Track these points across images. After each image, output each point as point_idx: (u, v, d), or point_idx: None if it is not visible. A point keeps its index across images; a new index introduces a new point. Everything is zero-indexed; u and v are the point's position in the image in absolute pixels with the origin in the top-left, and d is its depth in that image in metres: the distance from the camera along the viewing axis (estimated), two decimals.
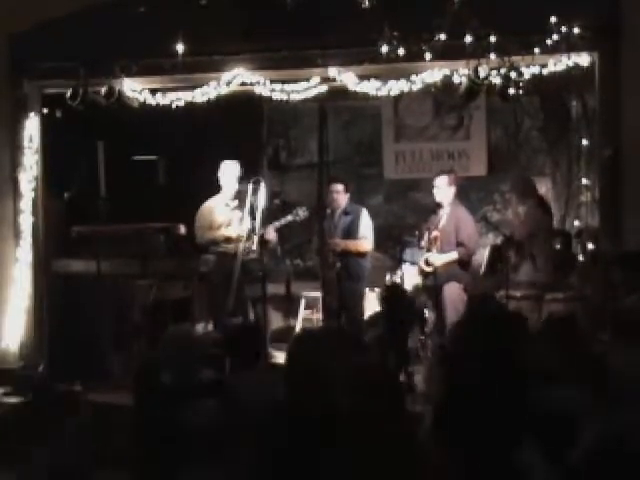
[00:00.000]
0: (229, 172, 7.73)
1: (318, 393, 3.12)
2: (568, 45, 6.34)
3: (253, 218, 7.60)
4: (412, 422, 3.14)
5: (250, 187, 7.55)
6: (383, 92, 7.15)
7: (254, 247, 7.57)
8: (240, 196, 7.66)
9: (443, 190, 7.61)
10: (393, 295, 7.09)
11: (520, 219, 8.08)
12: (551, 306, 6.98)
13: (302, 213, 7.78)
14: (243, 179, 7.73)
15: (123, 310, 7.37)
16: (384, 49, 6.45)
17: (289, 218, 7.79)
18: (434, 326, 7.43)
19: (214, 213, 7.74)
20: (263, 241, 7.50)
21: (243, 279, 7.81)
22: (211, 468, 2.99)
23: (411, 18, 6.38)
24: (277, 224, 7.79)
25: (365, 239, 7.82)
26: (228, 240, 7.65)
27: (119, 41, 6.89)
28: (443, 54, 6.51)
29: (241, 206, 7.63)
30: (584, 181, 8.17)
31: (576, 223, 8.56)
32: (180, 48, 6.67)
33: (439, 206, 7.67)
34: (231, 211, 7.72)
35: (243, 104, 7.98)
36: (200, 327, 7.73)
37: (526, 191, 8.06)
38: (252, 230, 7.56)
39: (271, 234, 7.70)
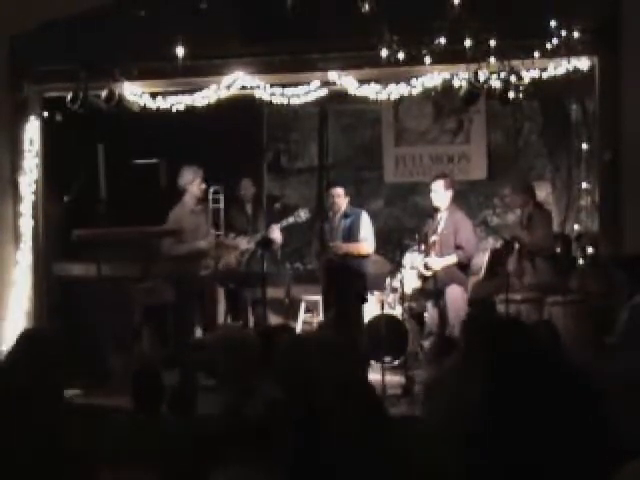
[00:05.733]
0: (195, 177, 7.67)
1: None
2: (568, 49, 6.34)
3: (216, 228, 7.59)
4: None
5: (210, 196, 7.56)
6: (383, 96, 7.17)
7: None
8: (206, 200, 7.67)
9: (440, 194, 7.63)
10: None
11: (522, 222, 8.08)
12: (552, 309, 6.97)
13: (304, 215, 7.78)
14: (208, 183, 7.71)
15: (123, 313, 7.36)
16: (384, 53, 6.45)
17: (290, 220, 7.79)
18: (436, 329, 7.44)
19: (181, 222, 7.67)
20: (267, 240, 7.49)
21: (242, 282, 7.82)
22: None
23: (411, 22, 6.39)
24: (279, 225, 7.79)
25: (366, 241, 7.82)
26: (197, 254, 7.61)
27: (119, 45, 6.89)
28: (443, 58, 6.52)
29: (206, 211, 7.65)
30: (584, 185, 8.19)
31: (576, 227, 8.57)
32: (180, 52, 6.67)
33: (437, 210, 7.69)
34: (197, 217, 7.71)
35: (243, 108, 7.98)
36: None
37: (525, 194, 8.06)
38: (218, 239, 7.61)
39: (276, 233, 7.69)
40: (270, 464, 2.86)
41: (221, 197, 7.62)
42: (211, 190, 7.67)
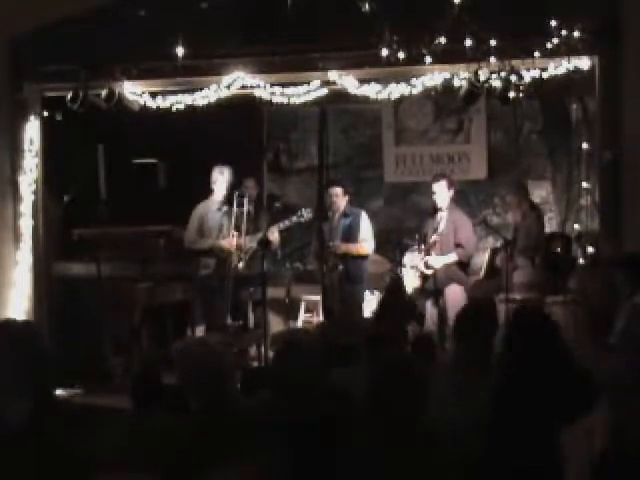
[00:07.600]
0: (221, 176, 7.76)
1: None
2: (568, 48, 6.34)
3: (237, 230, 7.63)
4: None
5: (235, 199, 7.60)
6: (383, 95, 7.16)
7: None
8: (231, 201, 7.71)
9: (444, 195, 7.64)
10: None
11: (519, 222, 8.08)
12: (552, 309, 6.97)
13: (306, 214, 7.79)
14: (235, 183, 7.77)
15: (123, 313, 7.36)
16: (384, 52, 6.45)
17: (294, 219, 7.80)
18: (436, 327, 7.44)
19: (206, 218, 7.76)
20: (265, 241, 7.51)
21: (241, 283, 7.82)
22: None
23: (411, 21, 6.38)
24: (282, 225, 7.80)
25: (365, 242, 7.84)
26: (219, 251, 7.68)
27: (119, 44, 6.89)
28: (443, 57, 6.51)
29: (230, 213, 7.69)
30: (584, 184, 8.16)
31: (576, 226, 8.56)
32: (180, 51, 6.68)
33: (437, 210, 7.70)
34: (222, 217, 7.75)
35: (243, 107, 7.98)
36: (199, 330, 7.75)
37: (520, 194, 8.07)
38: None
39: (274, 234, 7.72)
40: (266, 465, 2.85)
41: (245, 200, 7.65)
42: (236, 193, 7.69)
